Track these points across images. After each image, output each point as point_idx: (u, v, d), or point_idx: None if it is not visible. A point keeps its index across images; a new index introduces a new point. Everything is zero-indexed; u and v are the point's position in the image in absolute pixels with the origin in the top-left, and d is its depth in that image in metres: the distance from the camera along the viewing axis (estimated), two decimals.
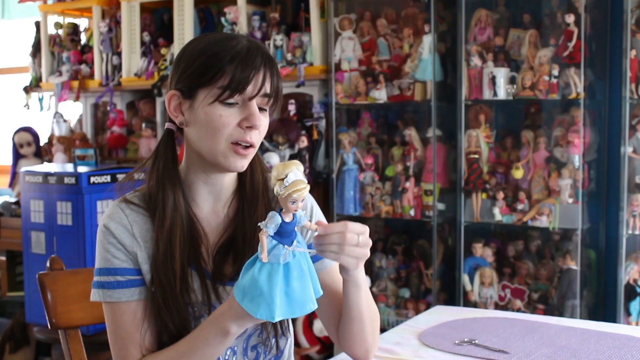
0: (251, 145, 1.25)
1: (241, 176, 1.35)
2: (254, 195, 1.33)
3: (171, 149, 1.31)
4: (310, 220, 1.38)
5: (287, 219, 1.10)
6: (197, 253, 1.28)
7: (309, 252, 1.13)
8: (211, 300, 1.27)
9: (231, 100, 1.22)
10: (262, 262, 1.09)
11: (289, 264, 1.10)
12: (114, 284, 1.26)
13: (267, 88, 1.24)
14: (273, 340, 1.35)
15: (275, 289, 1.09)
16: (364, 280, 1.28)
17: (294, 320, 3.37)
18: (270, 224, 1.09)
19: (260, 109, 1.26)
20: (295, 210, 1.10)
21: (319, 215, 1.42)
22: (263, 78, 1.23)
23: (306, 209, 1.39)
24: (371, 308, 1.35)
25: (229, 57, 1.21)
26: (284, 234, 1.10)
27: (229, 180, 1.33)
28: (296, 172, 1.09)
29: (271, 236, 1.10)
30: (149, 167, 1.31)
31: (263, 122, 1.26)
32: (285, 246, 1.10)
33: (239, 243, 1.30)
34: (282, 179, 1.08)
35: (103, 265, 1.28)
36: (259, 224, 1.11)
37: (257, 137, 1.26)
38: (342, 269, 1.24)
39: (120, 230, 1.27)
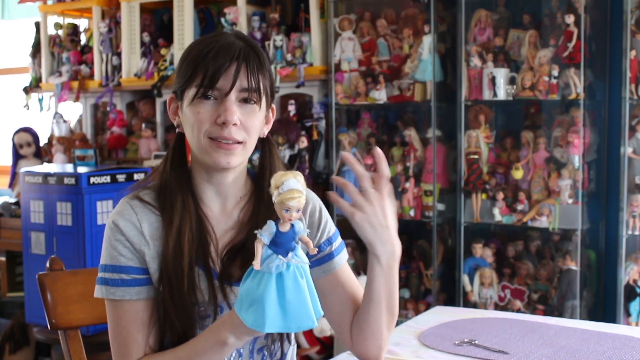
0: (235, 142, 1.24)
1: (259, 180, 1.34)
2: (270, 201, 1.32)
3: (180, 150, 1.32)
4: (320, 225, 1.38)
5: (283, 229, 1.08)
6: (205, 252, 1.27)
7: (305, 264, 1.10)
8: (217, 300, 1.26)
9: (208, 95, 1.23)
10: (255, 270, 1.08)
11: (282, 275, 1.07)
12: (118, 282, 1.25)
13: (244, 82, 1.23)
14: (278, 344, 1.34)
15: (267, 299, 1.06)
16: (389, 266, 1.27)
17: None
18: (265, 232, 1.08)
19: (246, 102, 1.25)
20: (290, 220, 1.08)
21: (326, 218, 1.40)
22: (236, 72, 1.22)
23: (315, 211, 1.38)
24: (392, 300, 1.32)
25: (204, 54, 1.22)
26: (279, 244, 1.08)
27: (233, 180, 1.32)
28: (293, 181, 1.07)
29: (267, 245, 1.08)
30: (160, 168, 1.32)
31: (249, 118, 1.25)
32: (280, 256, 1.07)
33: (250, 247, 1.28)
34: (279, 187, 1.07)
35: (109, 262, 1.27)
36: (255, 231, 1.10)
37: (238, 133, 1.24)
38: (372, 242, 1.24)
39: (129, 228, 1.26)
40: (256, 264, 1.07)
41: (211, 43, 1.24)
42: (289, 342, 1.37)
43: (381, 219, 1.23)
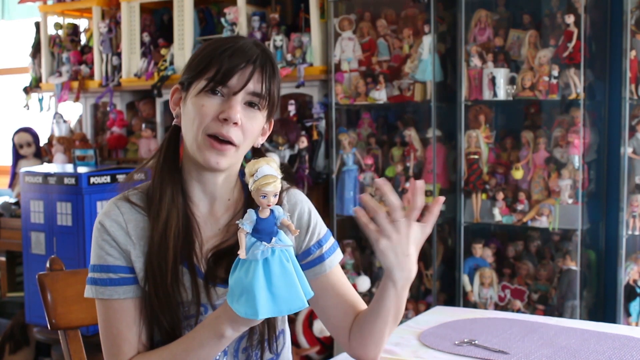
0: (230, 142, 1.24)
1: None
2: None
3: (174, 144, 1.33)
4: (309, 228, 1.38)
5: (263, 215, 1.09)
6: (190, 250, 1.28)
7: (289, 247, 1.12)
8: (201, 299, 1.27)
9: (216, 91, 1.23)
10: (242, 260, 1.09)
11: (268, 261, 1.09)
12: (106, 281, 1.26)
13: (255, 86, 1.24)
14: (258, 350, 1.34)
15: (255, 286, 1.07)
16: (403, 288, 1.27)
17: (293, 321, 3.37)
18: (246, 221, 1.09)
19: (250, 106, 1.25)
20: (268, 206, 1.09)
21: (315, 220, 1.40)
22: (250, 74, 1.23)
23: (303, 214, 1.38)
24: (399, 314, 1.32)
25: (221, 51, 1.24)
26: (261, 231, 1.09)
27: (222, 181, 1.32)
28: (266, 167, 1.08)
29: (250, 234, 1.09)
30: (154, 163, 1.33)
31: (250, 122, 1.25)
32: (264, 243, 1.09)
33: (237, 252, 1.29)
34: (253, 175, 1.08)
35: (97, 262, 1.28)
36: (237, 221, 1.11)
37: (236, 134, 1.24)
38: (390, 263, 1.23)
39: (115, 228, 1.27)
40: (241, 253, 1.08)
41: (229, 43, 1.25)
42: (278, 339, 1.36)
43: (405, 247, 1.22)
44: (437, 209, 1.24)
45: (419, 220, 1.23)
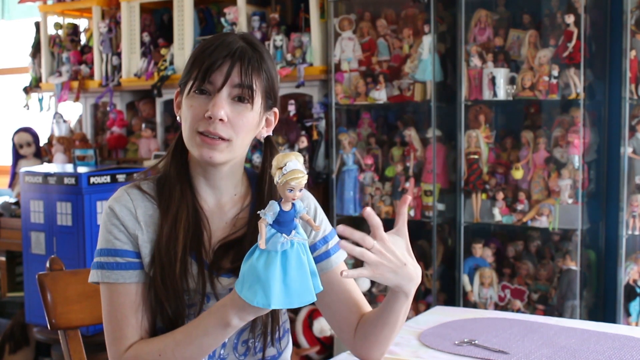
0: (221, 138, 1.26)
1: (259, 182, 1.36)
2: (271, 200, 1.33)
3: (182, 142, 1.34)
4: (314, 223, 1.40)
5: (286, 208, 1.11)
6: (199, 242, 1.30)
7: (306, 241, 1.14)
8: (206, 289, 1.28)
9: (203, 89, 1.26)
10: (260, 249, 1.11)
11: (286, 253, 1.11)
12: (113, 265, 1.28)
13: (236, 78, 1.25)
14: (260, 341, 1.35)
15: (272, 277, 1.10)
16: (412, 294, 1.29)
17: (293, 321, 3.37)
18: (268, 212, 1.11)
19: (240, 101, 1.26)
20: (293, 199, 1.11)
21: (322, 217, 1.43)
22: (229, 68, 1.24)
23: (309, 210, 1.40)
24: (406, 316, 1.35)
25: (204, 49, 1.26)
26: (282, 223, 1.11)
27: (226, 175, 1.34)
28: (295, 161, 1.10)
29: (270, 225, 1.11)
30: (164, 160, 1.36)
31: (238, 117, 1.26)
32: (284, 235, 1.11)
33: (247, 244, 1.30)
34: (281, 168, 1.10)
35: (104, 246, 1.29)
36: (258, 212, 1.12)
37: (224, 130, 1.25)
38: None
39: (124, 213, 1.29)
40: (262, 243, 1.10)
41: (215, 40, 1.28)
42: (272, 344, 1.37)
43: (396, 261, 1.23)
44: (404, 209, 1.25)
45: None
